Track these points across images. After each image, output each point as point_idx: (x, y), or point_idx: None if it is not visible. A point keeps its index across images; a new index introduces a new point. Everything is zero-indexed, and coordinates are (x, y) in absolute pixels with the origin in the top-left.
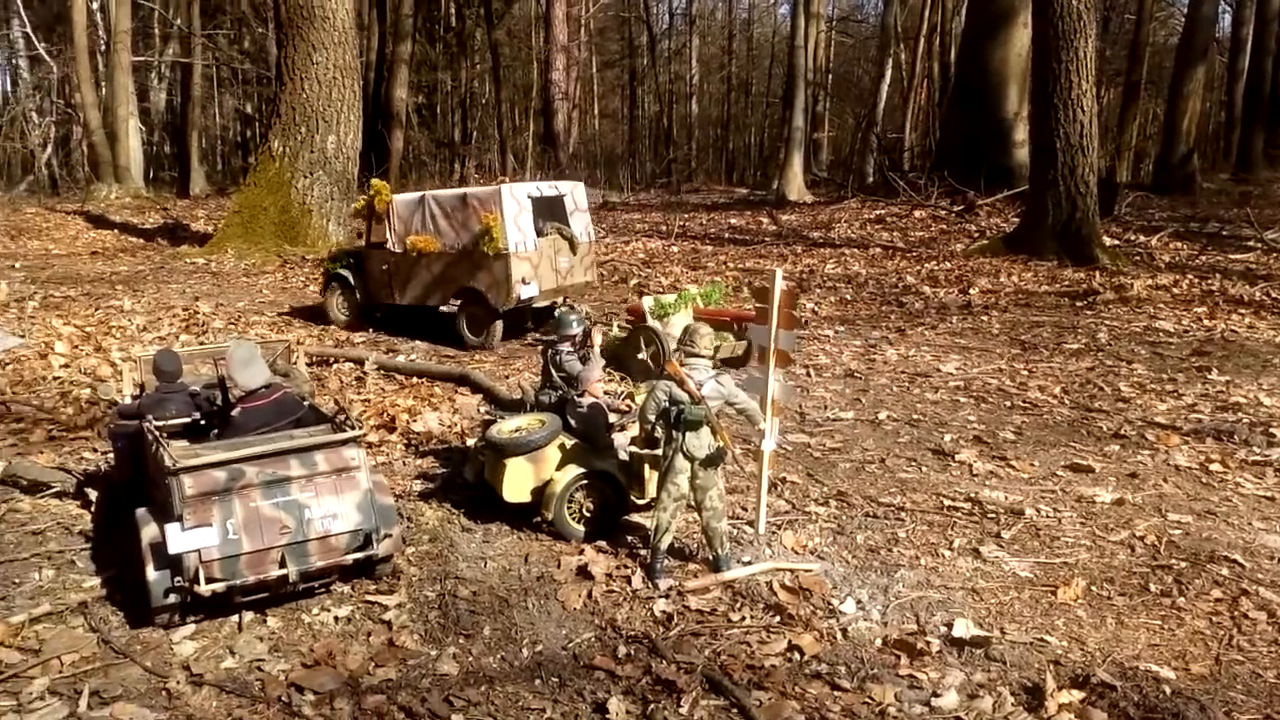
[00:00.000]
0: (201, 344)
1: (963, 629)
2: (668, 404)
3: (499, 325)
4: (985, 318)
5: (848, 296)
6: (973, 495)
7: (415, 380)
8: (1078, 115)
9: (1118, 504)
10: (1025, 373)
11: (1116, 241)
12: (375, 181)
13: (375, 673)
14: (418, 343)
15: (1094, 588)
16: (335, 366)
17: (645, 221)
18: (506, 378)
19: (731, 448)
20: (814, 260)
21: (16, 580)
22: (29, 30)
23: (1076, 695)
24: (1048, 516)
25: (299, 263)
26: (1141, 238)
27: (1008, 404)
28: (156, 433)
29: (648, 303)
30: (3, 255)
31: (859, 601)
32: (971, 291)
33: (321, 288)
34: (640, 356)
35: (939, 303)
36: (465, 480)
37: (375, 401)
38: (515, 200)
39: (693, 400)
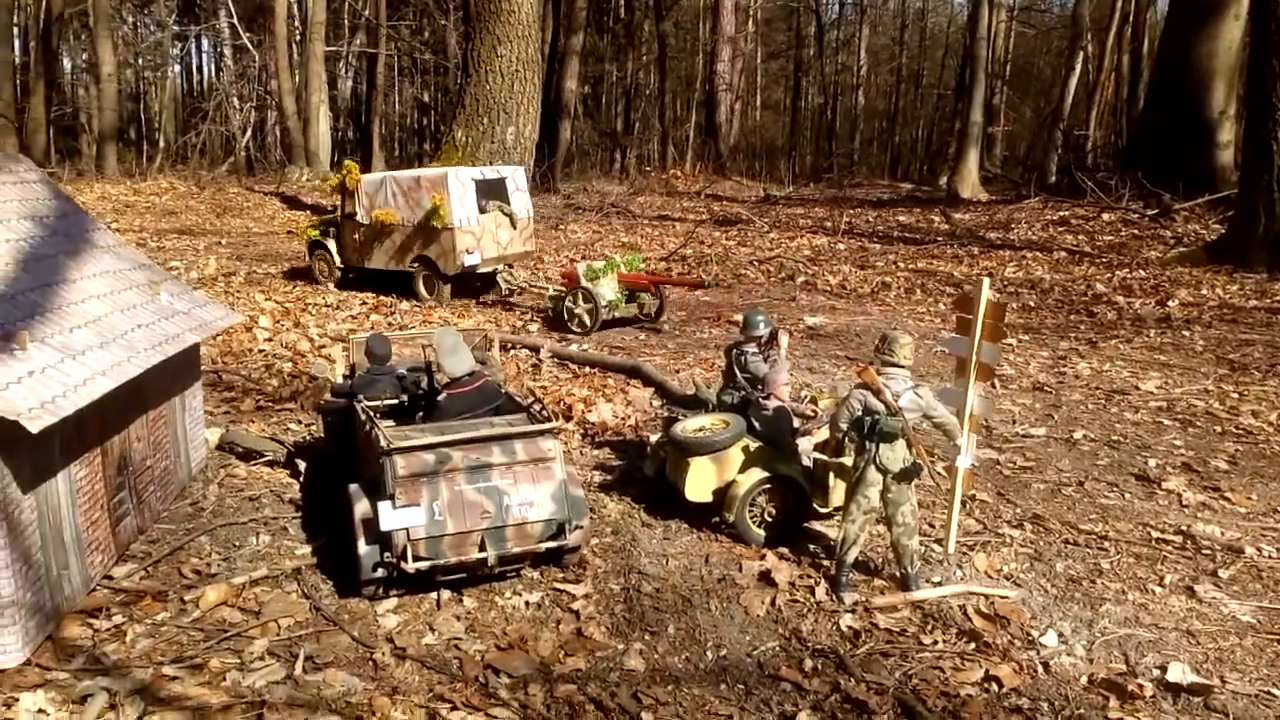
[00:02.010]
0: (388, 324)
1: (1178, 673)
2: (862, 413)
3: (447, 288)
4: (1187, 333)
5: (1031, 303)
6: (1184, 528)
7: (588, 370)
8: None
9: None
10: (1236, 396)
11: None
12: (348, 162)
13: (565, 662)
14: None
15: None
16: (512, 353)
17: (809, 217)
18: (678, 372)
19: (929, 464)
20: (992, 263)
21: (237, 543)
22: (234, 20)
23: None
24: (1271, 557)
25: None
26: None
27: (1218, 429)
28: (371, 413)
29: (581, 268)
30: (210, 232)
31: (1061, 635)
32: (1170, 304)
33: (307, 253)
34: (576, 311)
35: (1134, 314)
36: (645, 475)
37: (552, 389)
38: (460, 182)
39: (889, 411)
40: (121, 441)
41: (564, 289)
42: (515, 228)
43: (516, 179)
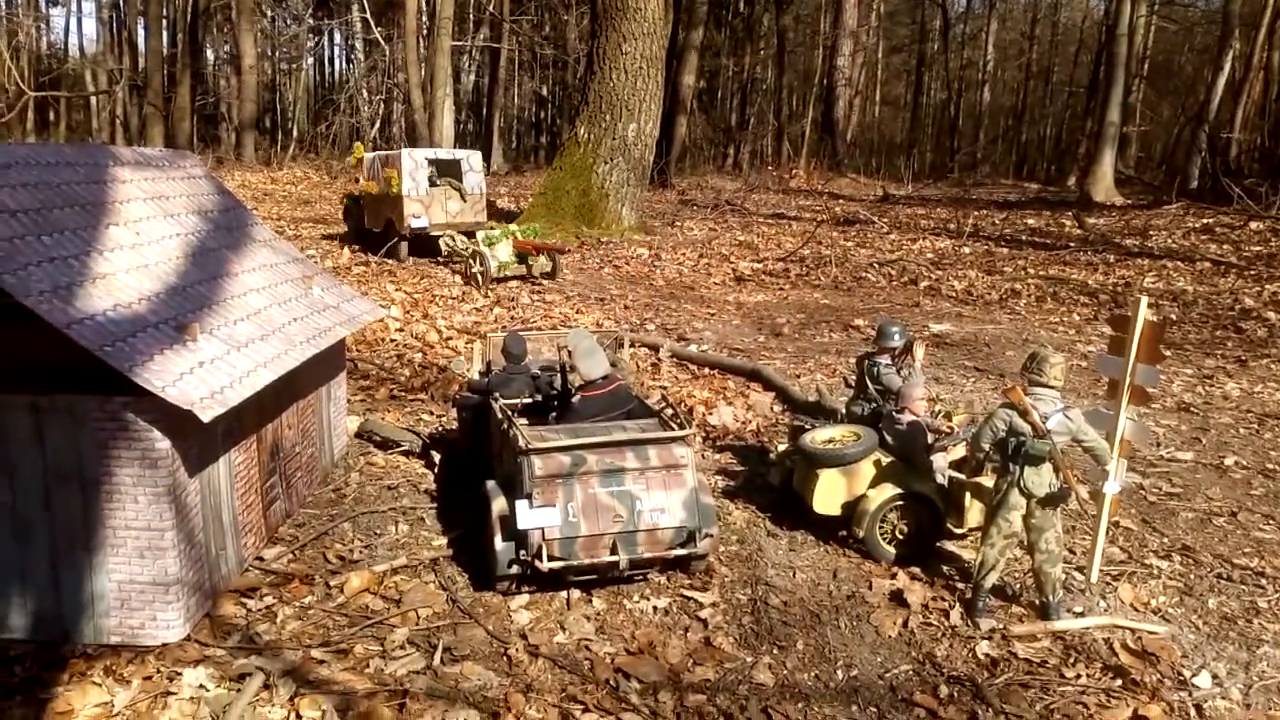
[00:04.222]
0: (511, 318)
1: None
2: (1006, 434)
3: (404, 245)
4: None
5: (1173, 316)
6: None
7: (707, 371)
8: None
9: None
10: None
11: None
12: (357, 143)
13: (694, 670)
14: (707, 334)
15: None
16: (632, 351)
17: (930, 218)
18: (798, 377)
19: (1078, 489)
20: (1129, 271)
21: (378, 531)
22: (366, 15)
23: None
24: None
25: (594, 244)
26: None
27: None
28: (509, 412)
29: (480, 235)
30: (343, 221)
31: (1215, 676)
32: None
33: (343, 216)
34: (473, 272)
35: None
36: (769, 483)
37: (672, 390)
38: (413, 160)
39: (1036, 434)
40: (275, 429)
41: (467, 252)
42: (465, 201)
43: (472, 161)
